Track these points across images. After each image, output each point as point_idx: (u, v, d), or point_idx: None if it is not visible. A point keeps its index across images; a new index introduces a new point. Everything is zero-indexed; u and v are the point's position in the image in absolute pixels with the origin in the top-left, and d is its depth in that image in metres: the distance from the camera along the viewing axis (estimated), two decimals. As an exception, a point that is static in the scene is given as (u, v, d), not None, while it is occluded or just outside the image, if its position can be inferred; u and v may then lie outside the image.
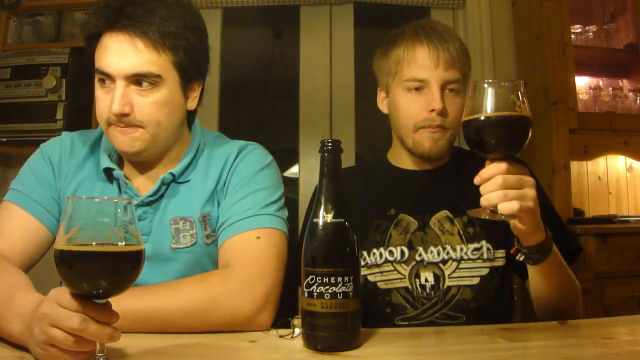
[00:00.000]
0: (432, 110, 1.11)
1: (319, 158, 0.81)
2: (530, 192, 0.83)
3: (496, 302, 1.13)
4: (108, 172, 1.03)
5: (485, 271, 1.13)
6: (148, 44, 0.94)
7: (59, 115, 2.16)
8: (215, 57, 2.51)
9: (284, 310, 0.96)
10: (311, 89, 2.58)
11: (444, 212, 1.17)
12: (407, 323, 1.11)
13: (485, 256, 1.13)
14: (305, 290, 0.76)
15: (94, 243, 0.63)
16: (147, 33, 0.93)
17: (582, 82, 2.45)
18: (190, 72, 1.01)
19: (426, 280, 1.13)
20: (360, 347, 0.78)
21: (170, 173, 1.03)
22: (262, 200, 1.02)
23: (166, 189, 1.04)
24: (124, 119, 0.94)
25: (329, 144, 0.80)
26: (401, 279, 1.14)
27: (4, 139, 2.21)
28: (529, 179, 0.84)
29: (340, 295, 0.74)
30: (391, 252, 1.15)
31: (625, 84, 2.52)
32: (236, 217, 1.00)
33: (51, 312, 0.64)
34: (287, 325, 0.87)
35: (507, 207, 0.81)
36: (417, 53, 1.13)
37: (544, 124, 2.22)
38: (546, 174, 2.20)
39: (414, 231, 1.16)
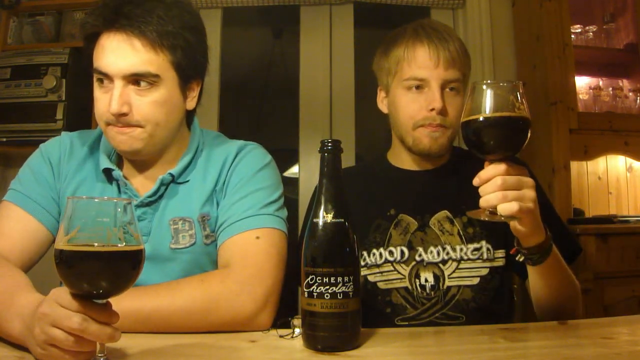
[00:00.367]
0: (432, 110, 1.11)
1: (319, 158, 0.81)
2: (530, 193, 0.83)
3: (496, 302, 1.13)
4: (107, 172, 1.03)
5: (485, 271, 1.13)
6: (146, 44, 0.93)
7: (59, 115, 2.16)
8: (215, 57, 2.51)
9: (284, 310, 0.96)
10: (311, 89, 2.58)
11: (444, 213, 1.17)
12: (407, 323, 1.11)
13: (485, 256, 1.13)
14: (305, 290, 0.76)
15: (94, 244, 0.63)
16: (145, 33, 0.93)
17: (582, 82, 2.45)
18: (189, 71, 1.01)
19: (426, 281, 1.13)
20: (360, 347, 0.77)
21: (170, 174, 1.03)
22: (262, 200, 1.02)
23: (165, 189, 1.04)
24: (122, 119, 0.94)
25: (329, 144, 0.80)
26: (401, 279, 1.14)
27: (4, 139, 2.21)
28: (529, 180, 0.84)
29: (340, 295, 0.74)
30: (391, 252, 1.15)
31: (625, 84, 2.52)
32: (235, 217, 1.00)
33: (51, 312, 0.64)
34: (287, 325, 0.87)
35: (506, 208, 0.81)
36: (417, 52, 1.13)
37: (544, 124, 2.22)
38: (546, 174, 2.20)
39: (413, 231, 1.16)
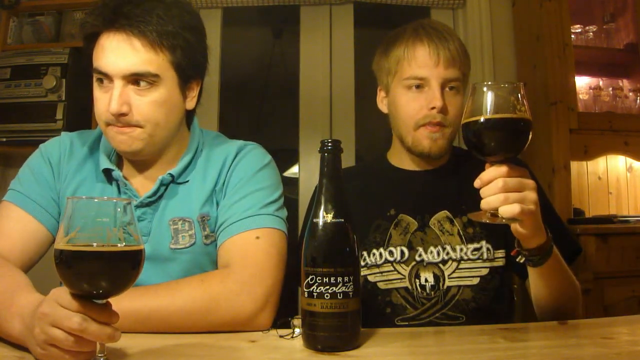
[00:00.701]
0: (433, 108, 1.11)
1: (319, 158, 0.81)
2: (531, 195, 0.83)
3: (496, 302, 1.13)
4: (107, 172, 1.03)
5: (485, 271, 1.13)
6: (146, 44, 0.93)
7: (59, 115, 2.16)
8: (215, 57, 2.51)
9: (284, 310, 0.96)
10: (311, 89, 2.58)
11: (444, 213, 1.17)
12: (407, 323, 1.11)
13: (485, 256, 1.13)
14: (305, 290, 0.76)
15: (94, 244, 0.63)
16: (145, 32, 0.93)
17: (582, 82, 2.45)
18: (189, 71, 1.01)
19: (426, 281, 1.12)
20: (360, 347, 0.77)
21: (169, 174, 1.03)
22: (261, 200, 1.02)
23: (165, 189, 1.04)
24: (122, 119, 0.94)
25: (329, 144, 0.80)
26: (401, 279, 1.14)
27: (4, 139, 2.21)
28: (530, 182, 0.84)
29: (340, 295, 0.74)
30: (391, 253, 1.15)
31: (625, 84, 2.52)
32: (235, 217, 1.00)
33: (51, 312, 0.64)
34: (287, 325, 0.87)
35: (508, 210, 0.81)
36: (417, 51, 1.13)
37: (544, 124, 2.22)
38: (546, 174, 2.20)
39: (413, 231, 1.16)
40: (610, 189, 2.54)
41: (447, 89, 1.13)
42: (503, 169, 0.82)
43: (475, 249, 1.14)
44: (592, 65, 2.48)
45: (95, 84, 0.98)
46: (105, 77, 0.95)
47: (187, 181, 1.05)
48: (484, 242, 1.14)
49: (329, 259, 0.76)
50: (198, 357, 0.76)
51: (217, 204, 1.04)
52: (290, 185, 2.96)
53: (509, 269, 1.16)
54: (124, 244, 0.64)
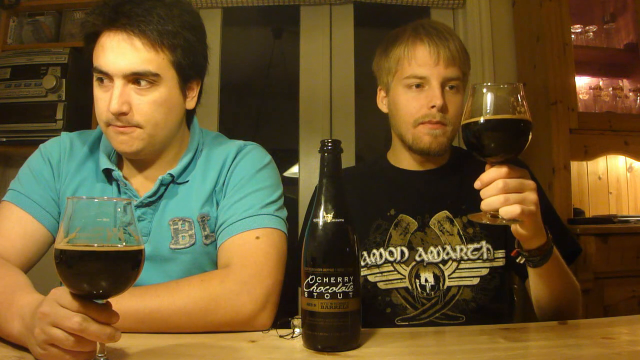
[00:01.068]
0: (433, 107, 1.11)
1: (319, 158, 0.81)
2: (532, 196, 0.83)
3: (496, 302, 1.13)
4: (107, 172, 1.03)
5: (485, 271, 1.13)
6: (146, 43, 0.93)
7: (59, 115, 2.16)
8: (215, 57, 2.51)
9: (284, 310, 0.96)
10: (311, 89, 2.58)
11: (444, 213, 1.17)
12: (407, 323, 1.11)
13: (485, 256, 1.13)
14: (305, 290, 0.76)
15: (94, 244, 0.63)
16: (146, 32, 0.93)
17: (582, 82, 2.45)
18: (189, 71, 1.01)
19: (426, 281, 1.12)
20: (360, 347, 0.77)
21: (169, 174, 1.03)
22: (261, 200, 1.02)
23: (165, 189, 1.04)
24: (122, 118, 0.94)
25: (329, 144, 0.80)
26: (401, 279, 1.14)
27: (4, 139, 2.21)
28: (530, 183, 0.84)
29: (340, 295, 0.74)
30: (391, 253, 1.15)
31: (625, 84, 2.52)
32: (235, 217, 1.00)
33: (51, 312, 0.64)
34: (287, 325, 0.87)
35: (508, 211, 0.80)
36: (417, 51, 1.14)
37: (544, 124, 2.22)
38: (546, 174, 2.20)
39: (413, 231, 1.16)
40: (610, 189, 2.54)
41: (447, 88, 1.13)
42: (503, 169, 0.82)
43: (476, 249, 1.14)
44: (592, 65, 2.48)
45: (96, 84, 0.98)
46: (106, 76, 0.95)
47: (187, 181, 1.05)
48: (484, 242, 1.14)
49: (329, 259, 0.76)
50: (198, 357, 0.76)
51: (217, 204, 1.04)
52: (290, 185, 2.97)
53: (509, 269, 1.16)
54: (124, 244, 0.64)
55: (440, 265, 1.13)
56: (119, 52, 0.93)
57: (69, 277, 0.62)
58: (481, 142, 0.82)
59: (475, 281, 1.12)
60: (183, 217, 1.02)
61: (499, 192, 0.81)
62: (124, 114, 0.94)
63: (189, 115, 1.11)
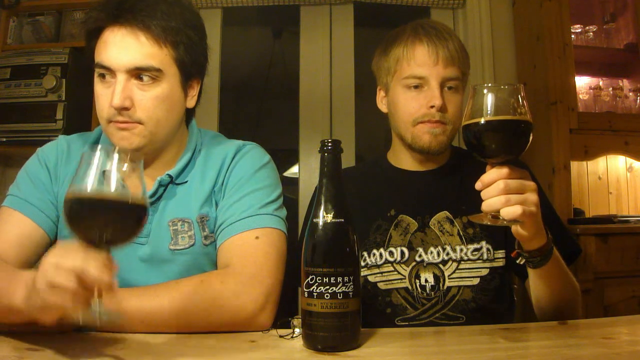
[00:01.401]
0: (432, 107, 1.11)
1: (319, 158, 0.81)
2: (533, 197, 0.83)
3: (496, 302, 1.13)
4: (107, 172, 1.03)
5: (485, 271, 1.13)
6: (150, 37, 0.94)
7: (59, 115, 2.16)
8: (215, 57, 2.51)
9: (284, 310, 0.96)
10: (311, 88, 2.58)
11: (444, 213, 1.17)
12: (407, 323, 1.11)
13: (485, 257, 1.13)
14: (305, 290, 0.76)
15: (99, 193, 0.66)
16: (150, 27, 0.94)
17: (582, 82, 2.45)
18: (190, 68, 1.01)
19: (426, 281, 1.12)
20: (360, 347, 0.77)
21: (168, 175, 1.03)
22: (260, 200, 1.02)
23: (164, 190, 1.03)
24: (124, 113, 0.94)
25: (329, 144, 0.80)
26: (401, 279, 1.14)
27: (4, 139, 2.21)
28: (531, 184, 0.84)
29: (340, 295, 0.74)
30: (391, 253, 1.15)
31: (625, 84, 2.52)
32: (235, 217, 1.00)
33: (55, 254, 0.66)
34: (287, 325, 0.87)
35: (509, 212, 0.80)
36: (416, 51, 1.14)
37: (544, 124, 2.22)
38: (546, 174, 2.20)
39: (414, 232, 1.16)
40: (610, 189, 2.54)
41: (446, 88, 1.13)
42: (504, 170, 0.82)
43: (476, 250, 1.14)
44: (592, 65, 2.48)
45: (97, 80, 0.97)
46: (108, 71, 0.94)
47: (186, 182, 1.05)
48: (484, 243, 1.14)
49: (329, 259, 0.76)
50: (198, 357, 0.76)
51: (216, 205, 1.04)
52: (290, 185, 2.97)
53: (509, 269, 1.16)
54: (130, 197, 0.68)
55: (440, 266, 1.13)
56: (123, 47, 0.93)
57: (74, 225, 0.66)
58: (482, 143, 0.82)
59: (475, 281, 1.12)
60: (182, 218, 1.02)
61: (500, 193, 0.81)
62: (126, 109, 0.93)
63: (188, 115, 1.11)
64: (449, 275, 1.12)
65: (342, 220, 0.78)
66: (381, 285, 1.14)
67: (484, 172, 0.85)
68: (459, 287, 1.12)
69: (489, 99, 0.81)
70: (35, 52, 2.24)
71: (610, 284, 1.98)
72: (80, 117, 2.21)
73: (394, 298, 1.13)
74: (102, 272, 0.65)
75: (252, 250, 0.96)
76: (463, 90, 1.17)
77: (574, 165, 2.32)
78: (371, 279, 1.15)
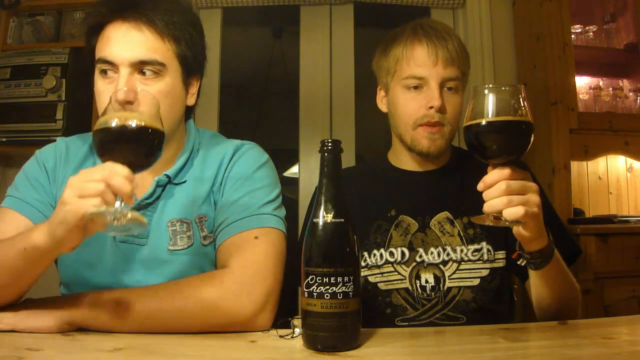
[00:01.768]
0: (431, 107, 1.11)
1: (319, 158, 0.81)
2: (534, 198, 0.83)
3: (496, 303, 1.13)
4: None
5: (485, 272, 1.13)
6: (153, 32, 0.95)
7: (59, 115, 2.16)
8: (215, 57, 2.51)
9: (284, 310, 0.96)
10: (311, 88, 2.58)
11: (444, 214, 1.17)
12: (407, 324, 1.11)
13: (485, 257, 1.13)
14: (305, 290, 0.76)
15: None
16: (154, 21, 0.94)
17: (582, 82, 2.45)
18: (191, 64, 1.02)
19: (426, 282, 1.12)
20: (360, 347, 0.77)
21: (165, 175, 1.02)
22: (259, 200, 1.01)
23: (162, 190, 1.03)
24: (127, 107, 0.93)
25: (329, 144, 0.80)
26: (401, 280, 1.13)
27: (4, 139, 2.20)
28: (533, 185, 0.84)
29: (340, 295, 0.74)
30: (391, 253, 1.15)
31: (625, 84, 2.52)
32: (234, 217, 0.99)
33: (81, 174, 0.75)
34: (287, 325, 0.87)
35: (512, 213, 0.80)
36: (416, 51, 1.14)
37: (544, 124, 2.22)
38: (546, 174, 2.20)
39: (414, 232, 1.16)
40: (611, 189, 2.54)
41: (445, 88, 1.13)
42: (506, 171, 0.82)
43: (476, 250, 1.14)
44: (592, 65, 2.48)
45: (98, 77, 0.97)
46: (111, 66, 0.94)
47: (184, 181, 1.05)
48: (484, 243, 1.14)
49: (329, 259, 0.76)
50: (198, 357, 0.76)
51: (215, 204, 1.04)
52: (290, 185, 2.96)
53: (509, 270, 1.16)
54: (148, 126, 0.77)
55: (441, 266, 1.13)
56: (126, 41, 0.93)
57: (101, 150, 0.76)
58: (483, 144, 0.82)
59: (476, 282, 1.12)
60: (181, 218, 1.02)
61: (502, 194, 0.81)
62: (130, 102, 0.93)
63: (186, 114, 1.11)
64: (449, 276, 1.12)
65: (342, 220, 0.78)
66: (381, 286, 1.14)
67: (484, 172, 0.84)
68: (459, 287, 1.12)
69: (490, 100, 0.81)
70: (35, 52, 2.24)
71: (610, 284, 1.98)
72: (80, 117, 2.21)
73: (394, 298, 1.13)
74: (125, 183, 0.72)
75: (251, 250, 0.96)
76: (464, 89, 1.17)
77: (574, 165, 2.32)
78: (371, 279, 1.15)
